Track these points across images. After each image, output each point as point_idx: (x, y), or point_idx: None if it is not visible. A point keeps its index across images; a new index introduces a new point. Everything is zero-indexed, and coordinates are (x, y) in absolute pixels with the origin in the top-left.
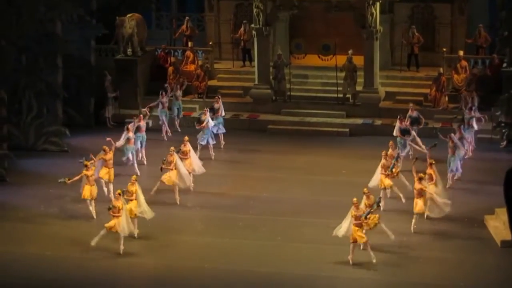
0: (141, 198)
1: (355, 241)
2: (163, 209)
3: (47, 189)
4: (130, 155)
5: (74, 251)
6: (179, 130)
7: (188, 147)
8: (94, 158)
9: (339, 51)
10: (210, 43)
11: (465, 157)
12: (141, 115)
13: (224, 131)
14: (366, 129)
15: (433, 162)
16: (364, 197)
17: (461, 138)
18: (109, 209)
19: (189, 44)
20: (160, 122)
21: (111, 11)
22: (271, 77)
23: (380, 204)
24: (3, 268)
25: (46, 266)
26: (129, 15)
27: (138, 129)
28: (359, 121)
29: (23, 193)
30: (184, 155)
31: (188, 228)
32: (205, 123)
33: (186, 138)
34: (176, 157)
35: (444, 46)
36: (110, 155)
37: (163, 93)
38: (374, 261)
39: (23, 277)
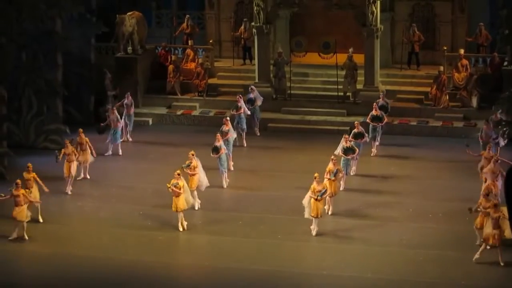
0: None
1: (486, 240)
2: (161, 208)
3: (47, 187)
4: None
5: (74, 249)
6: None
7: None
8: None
9: (339, 49)
10: (211, 41)
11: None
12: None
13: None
14: (366, 128)
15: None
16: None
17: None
18: (10, 189)
19: (190, 42)
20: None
21: (111, 9)
22: (271, 75)
23: None
24: (4, 267)
25: (46, 264)
26: (129, 13)
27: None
28: (360, 119)
29: None
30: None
31: (189, 226)
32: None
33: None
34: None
35: (445, 44)
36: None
37: (240, 96)
38: (502, 264)
39: (24, 276)
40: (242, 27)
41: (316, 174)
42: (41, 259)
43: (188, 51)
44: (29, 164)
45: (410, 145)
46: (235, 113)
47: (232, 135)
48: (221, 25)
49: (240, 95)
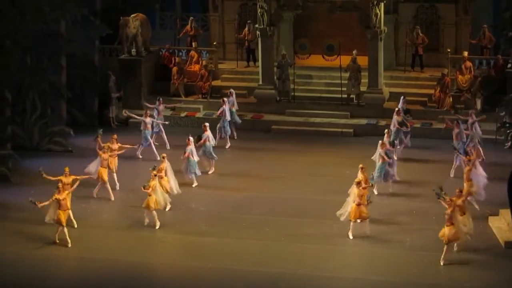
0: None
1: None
2: (164, 209)
3: (51, 189)
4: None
5: (78, 251)
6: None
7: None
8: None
9: (343, 51)
10: (214, 43)
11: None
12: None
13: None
14: (370, 130)
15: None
16: None
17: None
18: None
19: (193, 44)
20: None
21: (115, 11)
22: (275, 77)
23: None
24: (7, 268)
25: (51, 266)
26: (133, 15)
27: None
28: (363, 121)
29: (27, 193)
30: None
31: (192, 228)
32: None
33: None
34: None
35: (449, 47)
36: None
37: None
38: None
39: (28, 277)
40: (246, 29)
41: (356, 180)
42: (44, 260)
43: (192, 53)
44: (66, 168)
45: (413, 147)
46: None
47: (208, 142)
48: (225, 27)
49: (225, 98)
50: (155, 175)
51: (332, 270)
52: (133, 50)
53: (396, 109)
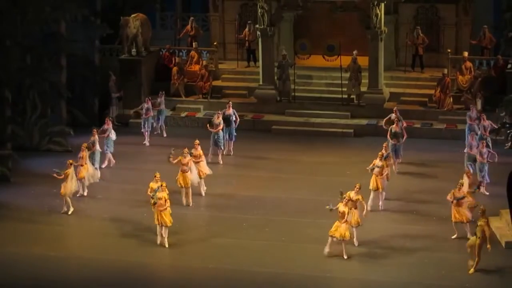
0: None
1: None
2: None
3: (51, 189)
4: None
5: (78, 251)
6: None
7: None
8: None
9: (343, 51)
10: (215, 43)
11: None
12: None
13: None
14: (370, 130)
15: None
16: None
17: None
18: (154, 204)
19: (194, 44)
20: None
21: (115, 11)
22: (275, 78)
23: None
24: (7, 268)
25: (50, 266)
26: (133, 15)
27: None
28: (364, 121)
29: (27, 193)
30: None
31: (193, 229)
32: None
33: (197, 141)
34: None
35: (449, 47)
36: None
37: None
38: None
39: (27, 277)
40: (247, 29)
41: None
42: (44, 260)
43: (192, 53)
44: (163, 183)
45: (413, 147)
46: (144, 114)
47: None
48: (225, 27)
49: (149, 98)
50: (71, 164)
51: (332, 270)
52: (134, 50)
53: (483, 116)
